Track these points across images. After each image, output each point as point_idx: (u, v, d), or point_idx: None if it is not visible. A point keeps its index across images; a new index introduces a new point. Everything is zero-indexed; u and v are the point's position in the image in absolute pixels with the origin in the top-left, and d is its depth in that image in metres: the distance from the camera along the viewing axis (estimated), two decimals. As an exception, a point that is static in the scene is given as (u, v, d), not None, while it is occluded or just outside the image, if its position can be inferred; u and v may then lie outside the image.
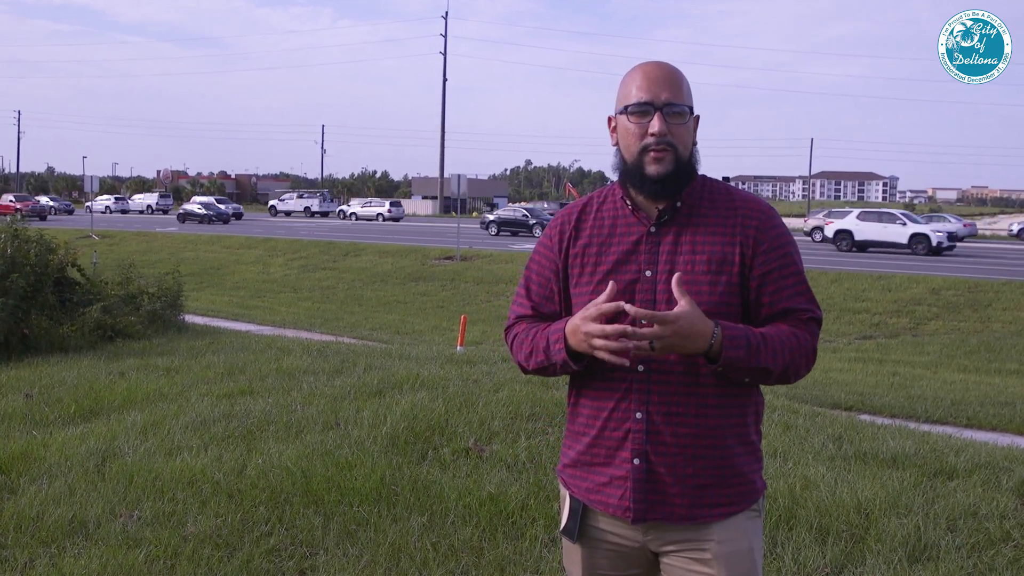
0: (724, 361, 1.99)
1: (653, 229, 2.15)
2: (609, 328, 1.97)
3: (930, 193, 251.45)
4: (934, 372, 14.27)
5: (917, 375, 13.63)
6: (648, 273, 2.12)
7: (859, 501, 4.54)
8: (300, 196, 70.53)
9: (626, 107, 2.13)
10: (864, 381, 12.52)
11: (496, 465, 5.20)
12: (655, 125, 2.09)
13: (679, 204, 2.15)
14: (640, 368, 2.09)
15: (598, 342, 1.98)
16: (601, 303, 2.01)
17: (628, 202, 2.18)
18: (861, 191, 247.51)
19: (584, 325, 2.01)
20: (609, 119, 2.22)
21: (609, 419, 2.14)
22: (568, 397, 2.29)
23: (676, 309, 1.96)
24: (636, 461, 2.10)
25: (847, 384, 11.79)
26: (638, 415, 2.10)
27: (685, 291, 1.98)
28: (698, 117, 2.20)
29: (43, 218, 52.62)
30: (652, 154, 2.10)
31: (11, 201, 54.83)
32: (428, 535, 4.25)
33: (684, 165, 2.13)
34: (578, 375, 2.21)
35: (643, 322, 1.96)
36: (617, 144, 2.19)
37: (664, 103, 2.09)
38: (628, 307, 1.97)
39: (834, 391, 10.54)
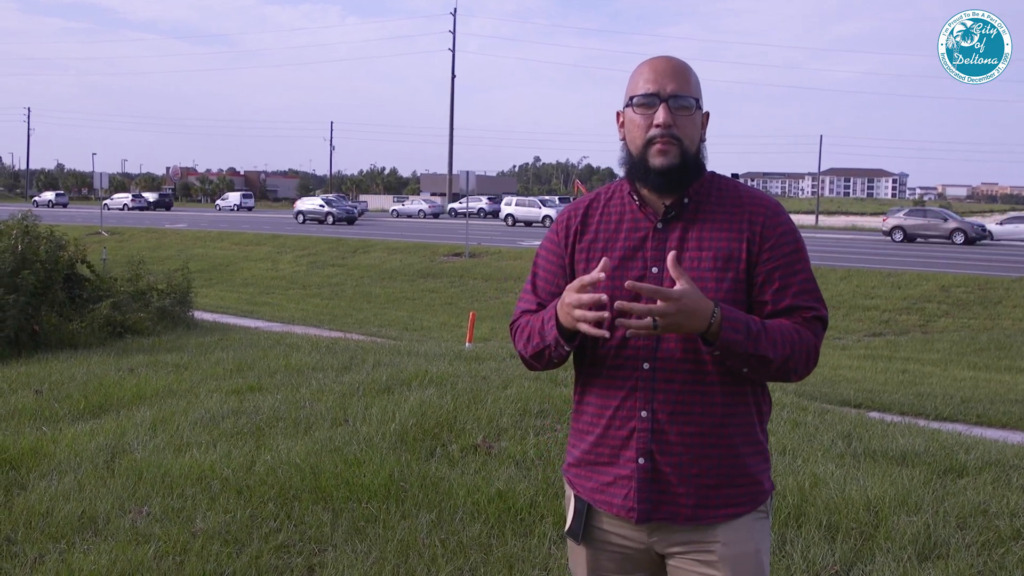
0: (722, 343, 1.95)
1: (660, 225, 2.12)
2: (585, 297, 1.93)
3: (939, 190, 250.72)
4: (944, 369, 14.21)
5: (927, 372, 13.58)
6: (654, 270, 2.09)
7: (868, 499, 4.53)
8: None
9: (632, 99, 2.11)
10: (873, 378, 12.48)
11: (505, 462, 5.20)
12: (660, 116, 2.06)
13: (687, 200, 2.12)
14: (645, 366, 2.06)
15: (576, 312, 1.94)
16: (586, 276, 1.97)
17: (635, 197, 2.15)
18: (871, 188, 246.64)
19: (567, 296, 1.99)
20: (617, 114, 2.20)
21: (614, 417, 2.11)
22: (574, 394, 2.27)
23: (677, 286, 1.92)
24: (641, 460, 2.07)
25: (856, 381, 11.76)
26: (643, 414, 2.07)
27: (683, 271, 1.94)
28: (707, 113, 2.17)
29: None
30: (657, 146, 2.07)
31: None
32: (437, 532, 4.25)
33: (690, 159, 2.10)
34: (583, 372, 2.19)
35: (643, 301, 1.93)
36: (624, 139, 2.17)
37: (670, 95, 2.07)
38: (633, 283, 1.92)
39: (843, 388, 10.52)
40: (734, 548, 2.07)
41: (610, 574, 2.20)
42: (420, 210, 64.50)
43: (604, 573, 2.20)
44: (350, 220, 52.03)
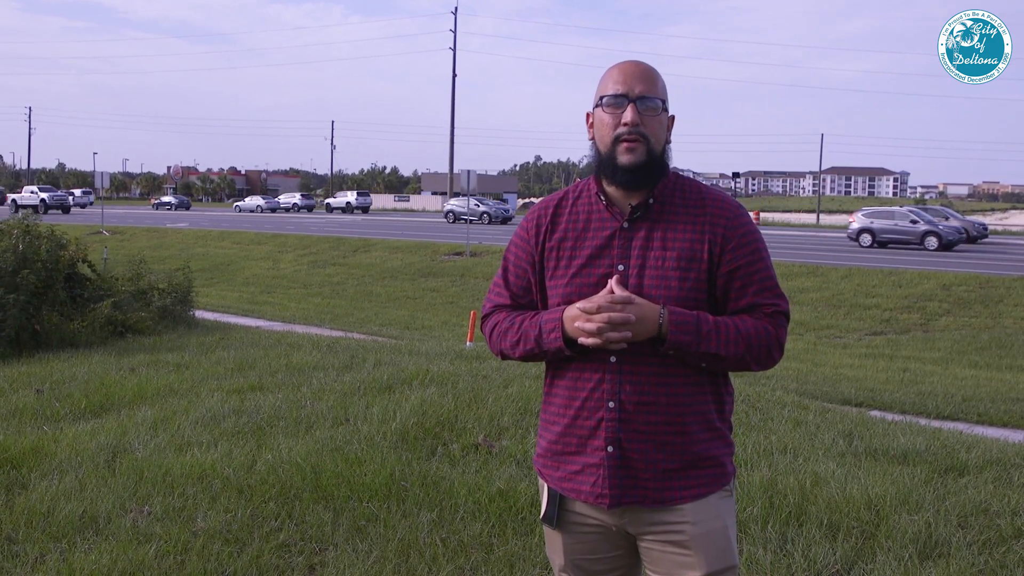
0: (671, 344, 2.10)
1: (626, 225, 2.22)
2: (589, 325, 2.09)
3: (940, 188, 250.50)
4: (945, 368, 14.21)
5: (928, 371, 13.58)
6: (620, 268, 2.19)
7: (870, 498, 4.52)
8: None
9: (602, 98, 2.22)
10: (874, 377, 12.49)
11: (506, 461, 5.20)
12: (628, 115, 2.17)
13: (652, 201, 2.22)
14: (612, 359, 2.16)
15: (577, 324, 2.10)
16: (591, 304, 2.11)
17: (602, 197, 2.25)
18: (872, 187, 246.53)
19: (576, 318, 2.12)
20: (587, 115, 2.31)
21: (582, 408, 2.20)
22: (544, 384, 2.36)
23: (620, 293, 2.10)
24: (610, 449, 2.17)
25: (857, 380, 11.76)
26: (611, 404, 2.17)
27: (624, 289, 2.13)
28: (673, 116, 2.28)
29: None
30: (624, 144, 2.18)
31: None
32: (437, 531, 4.25)
33: (656, 158, 2.20)
34: (553, 364, 2.29)
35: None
36: (593, 138, 2.27)
37: (638, 95, 2.18)
38: (580, 303, 2.11)
39: (844, 387, 10.52)
40: (703, 526, 2.18)
41: (586, 556, 2.29)
42: (258, 205, 72.60)
43: (580, 556, 2.30)
44: (504, 220, 51.87)
